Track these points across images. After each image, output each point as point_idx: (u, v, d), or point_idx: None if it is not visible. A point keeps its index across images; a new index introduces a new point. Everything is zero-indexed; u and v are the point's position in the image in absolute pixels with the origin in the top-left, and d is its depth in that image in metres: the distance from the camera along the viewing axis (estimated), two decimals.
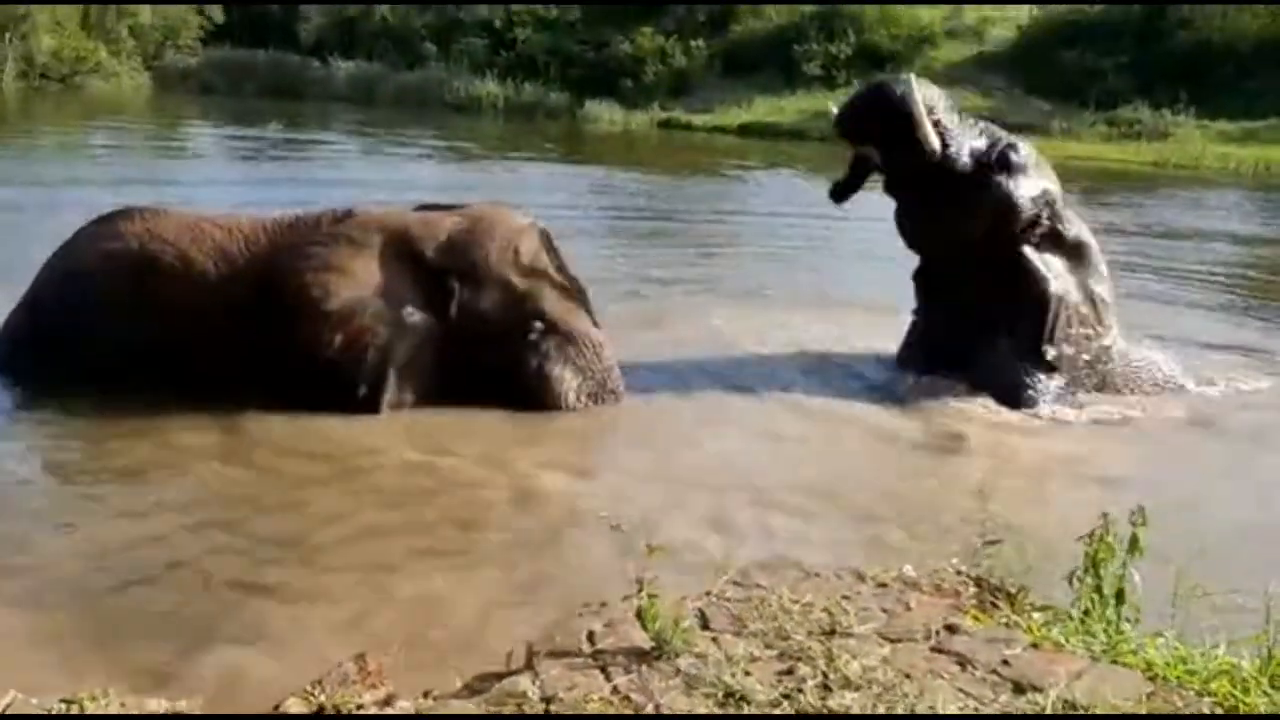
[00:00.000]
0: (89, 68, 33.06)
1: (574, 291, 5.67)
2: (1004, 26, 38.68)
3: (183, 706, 2.46)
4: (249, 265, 5.30)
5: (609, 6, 37.85)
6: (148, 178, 14.53)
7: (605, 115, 33.74)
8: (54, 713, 2.35)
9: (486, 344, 5.37)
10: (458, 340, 5.33)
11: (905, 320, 6.42)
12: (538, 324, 5.45)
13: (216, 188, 13.99)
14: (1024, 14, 39.35)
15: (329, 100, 34.50)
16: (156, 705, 2.49)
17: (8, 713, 2.50)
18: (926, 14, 39.41)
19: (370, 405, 5.24)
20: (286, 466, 4.73)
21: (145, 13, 36.58)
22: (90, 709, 2.39)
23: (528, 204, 13.75)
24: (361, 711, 2.43)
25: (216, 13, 40.92)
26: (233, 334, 5.19)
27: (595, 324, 5.71)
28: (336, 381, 5.17)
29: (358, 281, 5.24)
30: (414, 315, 5.28)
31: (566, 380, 5.52)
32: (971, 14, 40.64)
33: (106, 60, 34.07)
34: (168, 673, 2.96)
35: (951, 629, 2.45)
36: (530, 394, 5.48)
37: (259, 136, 21.74)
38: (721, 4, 37.82)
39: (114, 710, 2.42)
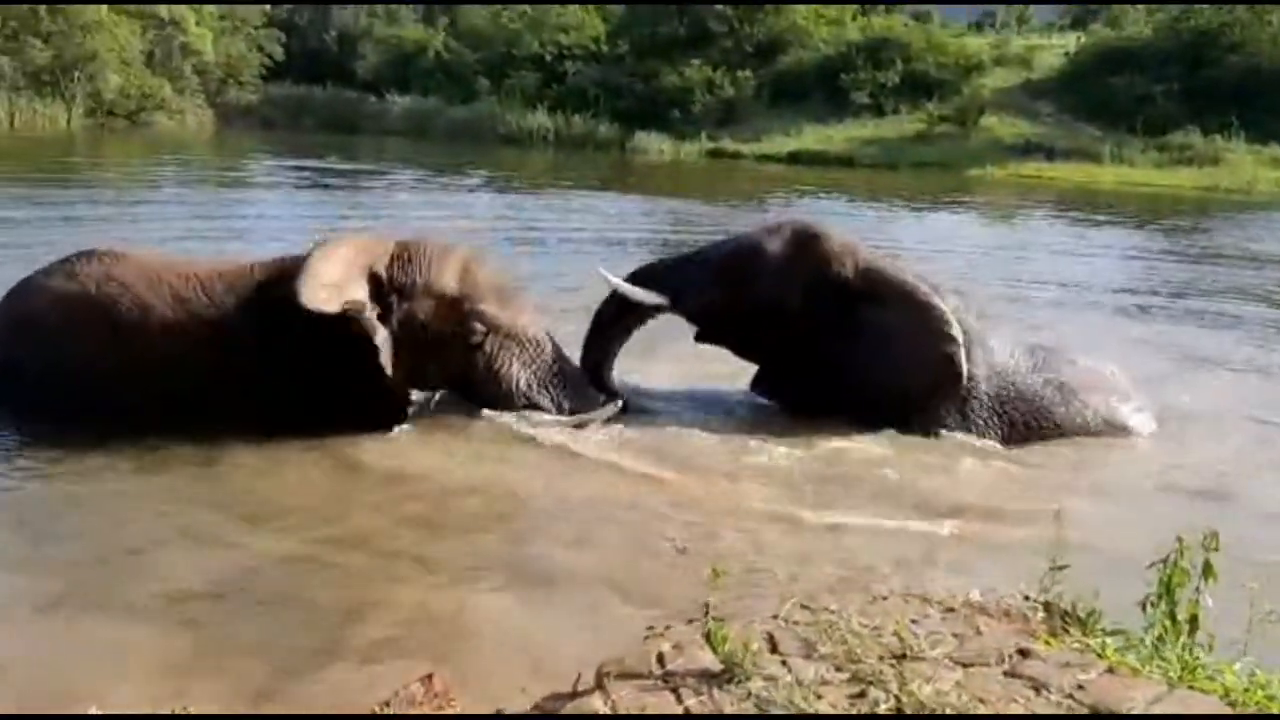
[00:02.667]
0: (154, 105, 33.96)
1: (511, 294, 5.85)
2: (1052, 53, 38.54)
3: None
4: (205, 311, 5.37)
5: (657, 39, 38.20)
6: (211, 209, 14.92)
7: (654, 146, 34.04)
8: None
9: (438, 353, 5.57)
10: (412, 352, 5.47)
11: None
12: (479, 327, 5.61)
13: (275, 218, 14.33)
14: (1072, 41, 39.20)
15: (384, 134, 35.15)
16: None
17: None
18: (974, 42, 39.45)
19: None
20: (337, 490, 4.86)
21: (209, 51, 37.52)
22: None
23: (575, 231, 14.05)
24: None
25: (277, 50, 41.98)
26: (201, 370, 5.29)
27: (535, 321, 5.86)
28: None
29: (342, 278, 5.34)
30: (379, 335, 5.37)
31: (515, 375, 5.70)
32: (1019, 41, 40.59)
33: (171, 97, 34.97)
34: (261, 693, 3.02)
35: (1024, 653, 2.43)
36: (484, 393, 5.68)
37: (318, 168, 22.20)
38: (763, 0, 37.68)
39: None
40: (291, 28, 45.11)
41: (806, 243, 5.86)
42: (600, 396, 5.84)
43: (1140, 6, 40.45)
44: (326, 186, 19.59)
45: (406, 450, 5.30)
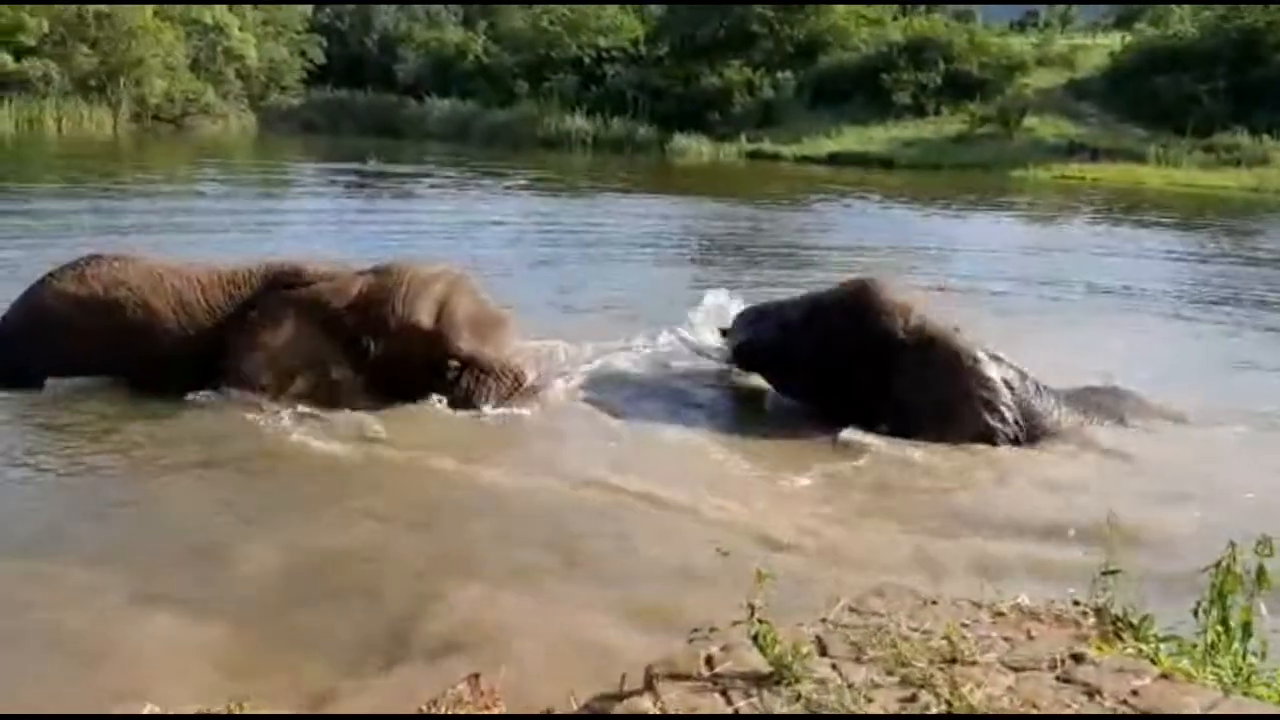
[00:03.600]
0: (198, 109, 34.41)
1: (491, 325, 5.93)
2: (1096, 53, 38.07)
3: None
4: (204, 314, 5.76)
5: (696, 40, 38.14)
6: (252, 209, 15.15)
7: (693, 148, 34.00)
8: None
9: (415, 385, 5.72)
10: (389, 384, 5.67)
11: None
12: (453, 363, 5.75)
13: (318, 218, 14.51)
14: (1116, 40, 38.71)
15: (424, 138, 35.35)
16: None
17: None
18: (1017, 42, 39.08)
19: None
20: (386, 484, 4.96)
21: (251, 55, 37.96)
22: None
23: (614, 233, 14.09)
24: None
25: (318, 54, 42.42)
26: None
27: (516, 352, 5.96)
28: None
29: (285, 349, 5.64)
30: (337, 372, 5.64)
31: (490, 405, 5.80)
32: (1062, 41, 40.15)
33: (215, 102, 35.41)
34: (321, 691, 3.07)
35: (1077, 658, 2.41)
36: None
37: (358, 171, 22.43)
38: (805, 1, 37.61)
39: None
40: (333, 32, 45.57)
41: (862, 293, 5.92)
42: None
43: (1186, 5, 39.86)
44: (367, 188, 19.76)
45: (453, 443, 5.39)
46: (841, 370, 5.81)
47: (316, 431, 5.42)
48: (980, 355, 5.75)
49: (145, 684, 2.96)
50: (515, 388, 5.84)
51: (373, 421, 5.54)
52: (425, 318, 5.70)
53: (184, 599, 3.67)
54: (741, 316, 6.58)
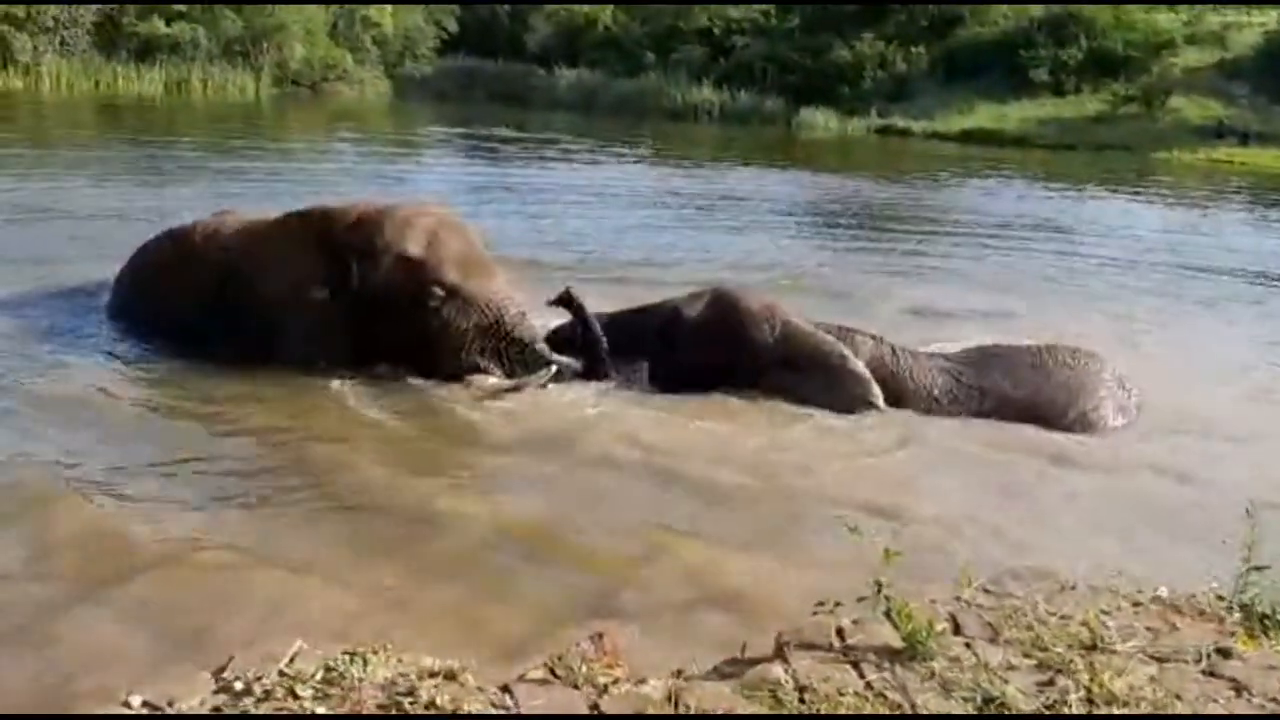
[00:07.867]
0: (336, 75, 35.30)
1: (477, 264, 5.94)
2: (1250, 31, 36.11)
3: (453, 666, 2.63)
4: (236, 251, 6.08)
5: (828, 12, 37.47)
6: (388, 172, 15.58)
7: (821, 121, 33.49)
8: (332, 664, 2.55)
9: (393, 315, 5.78)
10: (368, 309, 5.77)
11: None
12: (437, 290, 5.76)
13: (444, 181, 14.83)
14: (1273, 18, 36.64)
15: (552, 107, 35.63)
16: (430, 662, 2.67)
17: (294, 660, 2.73)
18: (1165, 19, 37.32)
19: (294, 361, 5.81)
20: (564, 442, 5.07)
21: (388, 23, 38.69)
22: (374, 663, 2.58)
23: (735, 206, 14.04)
24: (615, 684, 2.53)
25: (451, 23, 43.04)
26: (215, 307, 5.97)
27: (500, 290, 5.93)
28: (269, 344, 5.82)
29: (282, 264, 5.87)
30: (319, 293, 5.79)
31: (467, 341, 5.83)
32: (1214, 19, 38.19)
33: (352, 68, 36.25)
34: (506, 650, 3.14)
35: (1224, 653, 2.35)
36: (436, 356, 5.82)
37: (488, 136, 22.80)
38: (945, 3, 36.66)
39: (393, 665, 2.61)
40: (466, 1, 46.18)
41: (726, 308, 5.89)
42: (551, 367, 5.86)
43: None
44: (493, 154, 20.09)
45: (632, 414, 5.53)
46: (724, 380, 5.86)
47: (490, 396, 5.64)
48: (842, 347, 5.77)
49: (322, 627, 3.08)
50: (495, 324, 5.86)
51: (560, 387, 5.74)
52: (413, 246, 5.80)
53: (396, 553, 3.83)
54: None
